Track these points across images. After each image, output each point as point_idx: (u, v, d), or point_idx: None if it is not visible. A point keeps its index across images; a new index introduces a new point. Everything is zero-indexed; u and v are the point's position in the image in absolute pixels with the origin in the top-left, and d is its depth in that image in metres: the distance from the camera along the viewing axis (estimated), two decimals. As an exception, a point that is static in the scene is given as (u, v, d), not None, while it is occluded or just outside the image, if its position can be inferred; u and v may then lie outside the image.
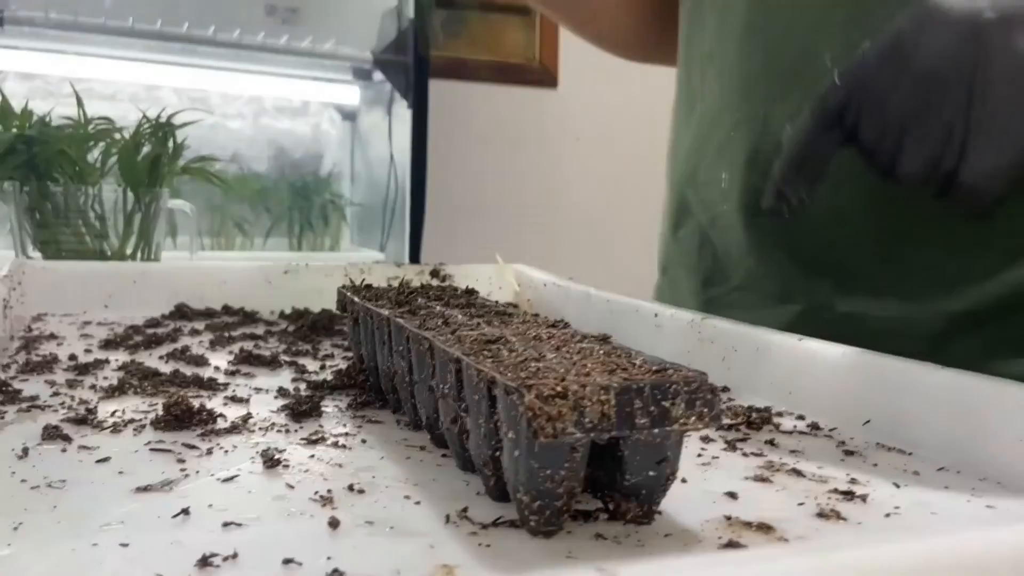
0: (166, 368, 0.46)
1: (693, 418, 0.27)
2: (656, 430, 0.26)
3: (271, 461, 0.32)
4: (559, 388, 0.25)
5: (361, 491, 0.30)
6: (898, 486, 0.33)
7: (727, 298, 0.61)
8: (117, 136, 0.75)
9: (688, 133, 0.65)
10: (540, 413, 0.25)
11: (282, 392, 0.43)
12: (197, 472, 0.31)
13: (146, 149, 0.75)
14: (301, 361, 0.50)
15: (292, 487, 0.30)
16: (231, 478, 0.31)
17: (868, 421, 0.40)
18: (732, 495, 0.31)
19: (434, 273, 0.73)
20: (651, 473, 0.27)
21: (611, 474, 0.28)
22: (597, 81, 2.00)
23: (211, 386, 0.43)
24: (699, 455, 0.36)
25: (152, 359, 0.49)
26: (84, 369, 0.46)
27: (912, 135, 0.39)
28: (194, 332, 0.58)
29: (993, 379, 0.36)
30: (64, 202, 0.71)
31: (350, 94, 1.65)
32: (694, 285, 0.65)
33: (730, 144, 0.59)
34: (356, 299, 0.43)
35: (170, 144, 0.76)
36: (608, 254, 2.02)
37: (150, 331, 0.56)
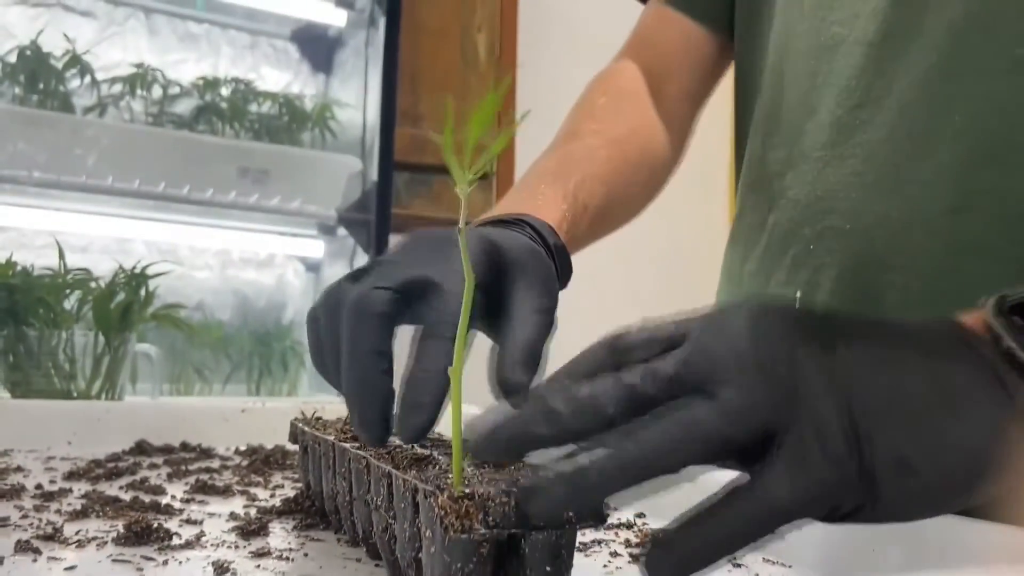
0: (126, 496, 0.50)
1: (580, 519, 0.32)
2: (552, 530, 0.32)
3: (221, 569, 0.36)
4: (467, 490, 0.30)
5: (300, 592, 0.34)
6: (771, 590, 0.38)
7: None
8: (93, 285, 0.82)
9: (756, 245, 0.59)
10: (450, 511, 0.30)
11: (233, 516, 0.47)
12: (154, 578, 0.35)
13: (120, 297, 0.81)
14: (253, 491, 0.54)
15: (239, 589, 0.34)
16: (185, 582, 0.35)
17: (757, 538, 0.45)
18: (625, 596, 0.36)
19: (384, 413, 0.78)
20: (548, 568, 0.32)
21: (515, 570, 0.33)
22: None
23: (168, 511, 0.47)
24: (605, 566, 0.41)
25: (113, 488, 0.53)
26: (50, 496, 0.49)
27: None
28: (153, 466, 0.61)
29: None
30: (38, 346, 0.76)
31: (315, 248, 1.75)
32: None
33: (809, 258, 0.53)
34: (306, 429, 0.49)
35: (142, 292, 0.82)
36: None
37: (111, 465, 0.60)
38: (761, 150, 0.59)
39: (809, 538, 0.43)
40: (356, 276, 0.38)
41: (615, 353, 0.32)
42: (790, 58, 0.57)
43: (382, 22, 1.60)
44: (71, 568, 0.36)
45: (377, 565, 0.39)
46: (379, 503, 0.37)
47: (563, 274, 0.47)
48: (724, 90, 0.70)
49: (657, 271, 2.28)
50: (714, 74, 0.69)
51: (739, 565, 0.42)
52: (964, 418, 0.29)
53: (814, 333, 0.31)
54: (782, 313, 0.31)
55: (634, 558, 0.42)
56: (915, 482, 0.28)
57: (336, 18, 1.70)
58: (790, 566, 0.42)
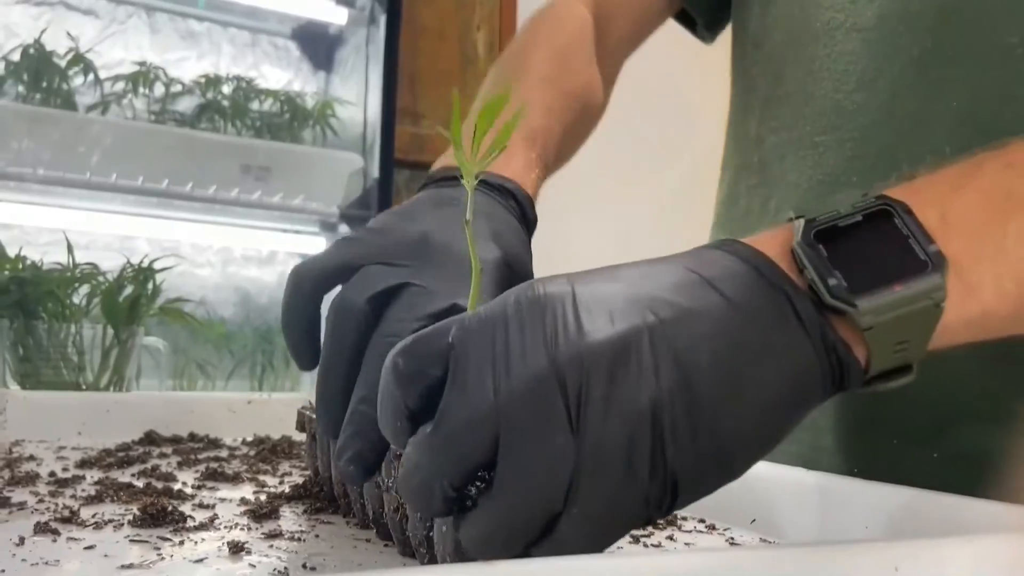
0: (139, 483, 0.51)
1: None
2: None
3: (236, 548, 0.37)
4: (476, 469, 0.32)
5: (313, 568, 0.35)
6: (768, 567, 0.39)
7: None
8: (101, 279, 0.83)
9: (753, 229, 0.58)
10: (460, 489, 0.31)
11: (244, 501, 0.48)
12: (172, 556, 0.36)
13: (127, 291, 0.82)
14: (262, 478, 0.56)
15: (254, 566, 0.35)
16: (201, 560, 0.36)
17: (754, 520, 0.46)
18: (626, 572, 0.37)
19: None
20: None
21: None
22: (547, 234, 2.14)
23: (180, 496, 0.48)
24: (607, 546, 0.42)
25: (125, 476, 0.54)
26: (64, 483, 0.51)
27: None
28: (163, 455, 0.63)
29: (846, 479, 0.43)
30: (47, 338, 0.77)
31: (316, 245, 1.76)
32: None
33: None
34: (314, 417, 0.50)
35: (149, 286, 0.83)
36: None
37: (122, 454, 0.61)
38: (758, 134, 0.60)
39: (802, 517, 0.44)
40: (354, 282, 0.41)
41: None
42: (788, 44, 0.58)
43: (382, 20, 1.61)
44: (90, 547, 0.37)
45: (387, 545, 0.40)
46: (390, 484, 0.38)
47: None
48: (722, 83, 0.71)
49: (652, 251, 2.28)
50: (652, 25, 0.69)
51: (735, 544, 0.43)
52: (760, 368, 0.27)
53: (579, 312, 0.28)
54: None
55: (635, 539, 0.43)
56: (709, 446, 0.26)
57: (337, 16, 1.71)
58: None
